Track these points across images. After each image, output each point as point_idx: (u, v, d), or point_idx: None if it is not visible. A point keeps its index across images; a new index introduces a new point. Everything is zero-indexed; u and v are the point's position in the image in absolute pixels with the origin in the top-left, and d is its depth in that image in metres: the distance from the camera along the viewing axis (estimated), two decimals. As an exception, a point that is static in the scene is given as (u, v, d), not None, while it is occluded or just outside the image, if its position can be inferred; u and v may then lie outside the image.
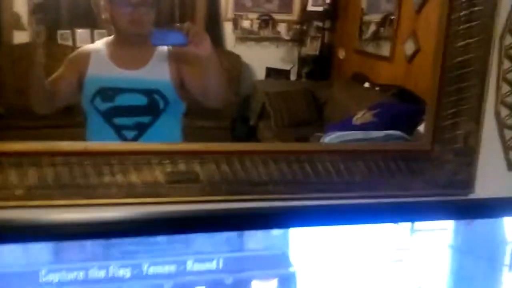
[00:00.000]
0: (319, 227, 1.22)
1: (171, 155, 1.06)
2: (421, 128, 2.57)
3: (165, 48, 1.59)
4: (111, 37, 1.58)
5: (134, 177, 1.02)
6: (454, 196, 1.24)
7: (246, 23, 4.44)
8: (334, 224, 1.17)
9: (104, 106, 1.56)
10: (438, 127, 1.25)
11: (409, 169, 1.18)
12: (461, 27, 1.22)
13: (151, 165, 1.03)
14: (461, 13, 1.21)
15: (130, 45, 1.55)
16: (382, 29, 3.64)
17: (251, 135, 3.99)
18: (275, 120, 3.78)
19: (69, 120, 3.83)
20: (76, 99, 1.66)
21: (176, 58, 1.59)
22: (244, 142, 1.21)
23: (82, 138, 3.70)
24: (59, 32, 4.77)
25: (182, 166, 1.06)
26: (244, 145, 1.17)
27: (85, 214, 0.99)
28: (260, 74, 4.68)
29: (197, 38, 1.34)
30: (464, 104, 1.26)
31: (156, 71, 1.58)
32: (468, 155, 1.25)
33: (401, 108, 2.80)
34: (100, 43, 1.60)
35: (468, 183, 1.26)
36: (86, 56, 1.61)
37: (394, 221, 1.19)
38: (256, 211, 1.10)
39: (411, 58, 3.11)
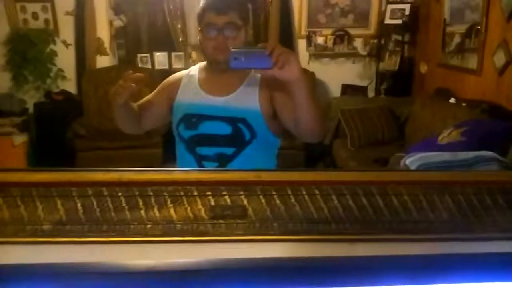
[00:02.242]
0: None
1: (214, 185, 0.94)
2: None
3: (258, 73, 1.44)
4: (204, 63, 1.50)
5: (172, 211, 0.92)
6: None
7: (320, 40, 4.34)
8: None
9: (187, 133, 1.46)
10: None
11: (509, 206, 0.96)
12: None
13: (191, 197, 0.92)
14: None
15: (221, 71, 1.41)
16: (467, 41, 3.39)
17: (325, 155, 3.85)
18: (351, 139, 3.61)
19: (146, 141, 3.94)
20: (165, 123, 1.62)
21: (268, 85, 1.39)
22: (299, 171, 1.00)
23: (158, 159, 3.79)
24: (139, 55, 4.98)
25: (226, 199, 0.95)
26: (299, 174, 0.98)
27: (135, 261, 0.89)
28: (335, 91, 4.55)
29: (283, 60, 1.12)
30: None
31: (244, 98, 1.41)
32: None
33: (492, 126, 2.53)
34: (194, 69, 1.51)
35: None
36: (177, 81, 1.54)
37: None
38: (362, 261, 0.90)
39: (502, 71, 2.84)
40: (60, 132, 3.85)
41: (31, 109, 4.13)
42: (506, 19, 2.81)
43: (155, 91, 1.59)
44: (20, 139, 3.86)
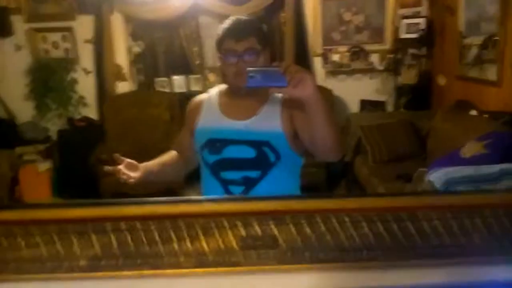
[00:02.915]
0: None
1: (243, 215, 0.94)
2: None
3: (279, 95, 1.45)
4: (224, 86, 1.51)
5: (203, 243, 0.93)
6: None
7: (336, 57, 4.35)
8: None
9: (211, 158, 1.47)
10: None
11: None
12: None
13: (222, 228, 0.92)
14: None
15: (241, 94, 1.43)
16: (485, 52, 3.36)
17: (347, 172, 3.83)
18: (372, 155, 3.59)
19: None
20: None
21: (288, 105, 1.40)
22: (328, 198, 0.99)
23: (181, 181, 3.80)
24: (157, 79, 5.06)
25: (257, 229, 0.96)
26: (328, 201, 0.98)
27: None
28: (354, 107, 4.55)
29: (297, 78, 1.13)
30: None
31: (266, 121, 1.42)
32: None
33: (516, 138, 2.50)
34: (214, 93, 1.52)
35: None
36: (198, 106, 1.55)
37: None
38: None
39: (524, 81, 2.81)
40: (83, 158, 3.90)
41: (54, 136, 4.22)
42: (524, 29, 2.79)
43: (184, 125, 1.61)
44: (44, 166, 3.94)
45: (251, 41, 1.39)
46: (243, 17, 1.47)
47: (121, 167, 1.42)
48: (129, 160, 1.43)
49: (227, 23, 1.42)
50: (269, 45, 1.45)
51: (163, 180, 1.52)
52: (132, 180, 1.41)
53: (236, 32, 1.40)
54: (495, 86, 3.16)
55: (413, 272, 0.95)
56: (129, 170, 1.42)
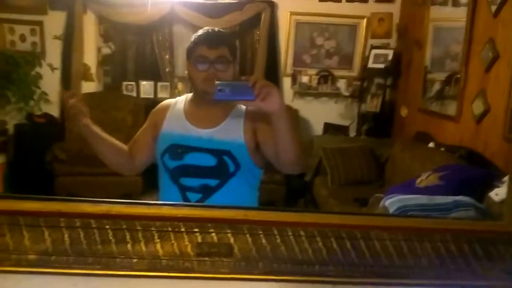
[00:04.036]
0: None
1: (201, 222, 0.95)
2: (494, 195, 2.39)
3: (243, 107, 1.46)
4: (191, 95, 1.52)
5: (158, 246, 0.92)
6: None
7: (305, 79, 4.44)
8: None
9: (172, 164, 1.46)
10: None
11: (486, 254, 0.98)
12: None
13: (178, 233, 0.92)
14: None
15: (207, 103, 1.44)
16: (447, 88, 3.50)
17: (306, 192, 3.88)
18: (331, 178, 3.65)
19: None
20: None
21: (251, 117, 1.43)
22: (286, 212, 1.00)
23: (138, 187, 3.76)
24: (124, 83, 5.00)
25: (213, 236, 0.94)
26: (285, 214, 1.00)
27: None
28: (318, 129, 4.63)
29: (265, 92, 1.15)
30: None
31: (229, 131, 1.44)
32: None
33: (470, 172, 2.60)
34: (180, 100, 1.52)
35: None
36: (164, 111, 1.54)
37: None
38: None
39: (480, 119, 2.93)
40: (40, 155, 3.80)
41: (11, 130, 4.09)
42: (484, 70, 2.92)
43: (144, 125, 1.60)
44: (-3, 159, 3.81)
45: (223, 50, 1.41)
46: (217, 28, 1.50)
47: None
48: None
49: (200, 31, 1.45)
50: (237, 59, 1.48)
51: (101, 154, 1.47)
52: (83, 119, 1.35)
53: (209, 40, 1.42)
54: (454, 121, 3.29)
55: (361, 288, 0.98)
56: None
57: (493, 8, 2.85)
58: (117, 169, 1.56)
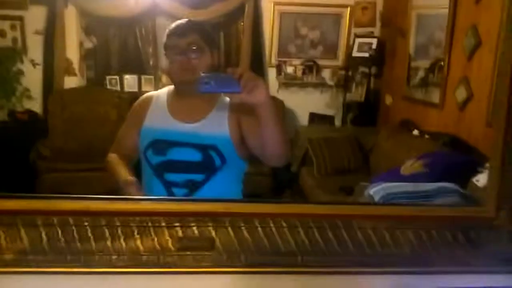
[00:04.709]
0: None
1: (182, 216, 0.93)
2: (477, 180, 2.41)
3: (227, 99, 1.44)
4: (172, 87, 1.49)
5: (138, 242, 0.91)
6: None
7: (290, 69, 4.43)
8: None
9: (155, 159, 1.44)
10: (504, 190, 1.02)
11: (468, 240, 0.98)
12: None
13: (159, 228, 0.91)
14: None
15: (190, 96, 1.41)
16: (431, 75, 3.52)
17: (292, 182, 3.88)
18: (317, 167, 3.66)
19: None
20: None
21: (236, 110, 1.41)
22: (267, 203, 0.99)
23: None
24: (108, 77, 4.95)
25: (194, 230, 0.94)
26: (267, 206, 0.99)
27: None
28: (303, 119, 4.63)
29: (251, 84, 1.14)
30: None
31: (214, 126, 1.42)
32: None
33: (454, 159, 2.62)
34: (163, 92, 1.50)
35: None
36: (146, 104, 1.52)
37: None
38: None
39: (463, 106, 2.95)
40: (22, 153, 3.74)
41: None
42: (467, 57, 2.94)
43: (125, 122, 1.58)
44: (-21, 158, 3.74)
45: (194, 38, 1.41)
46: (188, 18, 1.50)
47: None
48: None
49: (172, 24, 1.44)
50: (215, 46, 1.48)
51: None
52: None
53: (179, 29, 1.43)
54: (438, 108, 3.31)
55: (344, 279, 0.98)
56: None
57: (475, -6, 2.86)
58: None
